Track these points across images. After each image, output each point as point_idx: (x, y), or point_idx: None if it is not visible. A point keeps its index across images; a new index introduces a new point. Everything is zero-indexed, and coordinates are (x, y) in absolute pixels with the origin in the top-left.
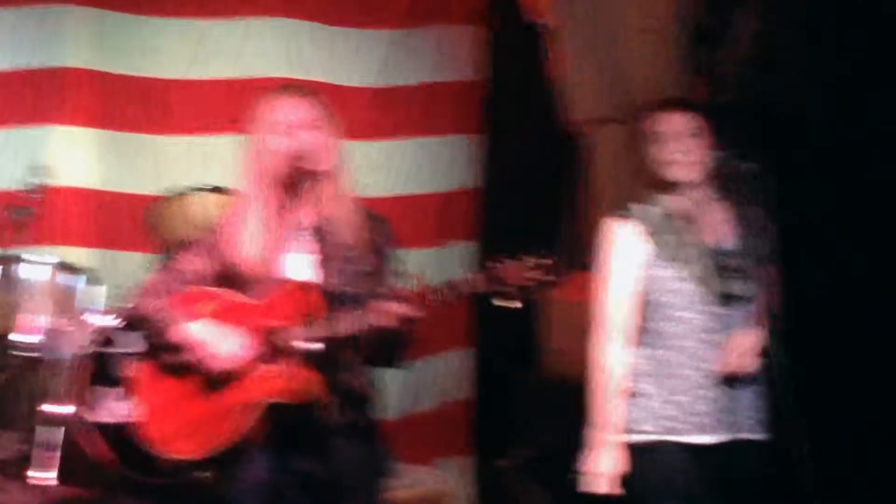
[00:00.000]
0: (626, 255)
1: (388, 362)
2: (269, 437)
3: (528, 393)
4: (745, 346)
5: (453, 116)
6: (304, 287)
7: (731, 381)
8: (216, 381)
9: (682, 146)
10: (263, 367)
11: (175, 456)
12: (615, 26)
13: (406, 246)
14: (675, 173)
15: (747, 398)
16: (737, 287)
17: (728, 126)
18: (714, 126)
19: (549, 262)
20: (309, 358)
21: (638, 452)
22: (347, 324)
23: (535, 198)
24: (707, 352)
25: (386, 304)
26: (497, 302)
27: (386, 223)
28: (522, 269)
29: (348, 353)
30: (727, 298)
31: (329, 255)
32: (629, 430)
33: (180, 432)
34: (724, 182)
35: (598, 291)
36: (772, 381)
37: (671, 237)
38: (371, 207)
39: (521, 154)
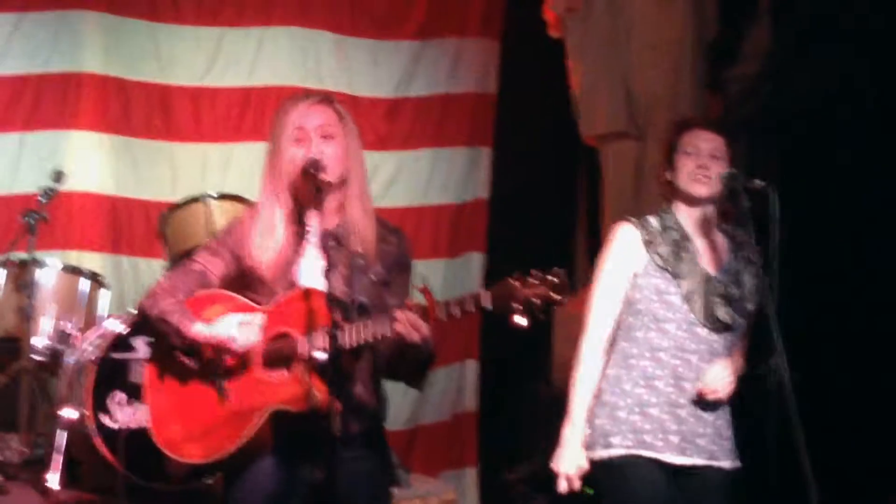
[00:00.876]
0: (620, 258)
1: (411, 382)
2: (276, 446)
3: (535, 405)
4: (727, 373)
5: (467, 128)
6: (314, 294)
7: (706, 405)
8: (224, 387)
9: (708, 164)
10: (271, 374)
11: (183, 459)
12: (629, 42)
13: (419, 256)
14: (693, 183)
15: (719, 425)
16: (722, 312)
17: (741, 142)
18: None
19: (558, 280)
20: (317, 366)
21: (610, 468)
22: (355, 334)
23: (546, 210)
24: (685, 371)
25: (393, 316)
26: (516, 319)
27: (402, 235)
28: (530, 287)
29: (357, 362)
30: (712, 322)
31: (340, 263)
32: (602, 445)
33: (189, 436)
34: (729, 210)
35: (592, 290)
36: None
37: (666, 249)
38: (384, 218)
39: (533, 166)
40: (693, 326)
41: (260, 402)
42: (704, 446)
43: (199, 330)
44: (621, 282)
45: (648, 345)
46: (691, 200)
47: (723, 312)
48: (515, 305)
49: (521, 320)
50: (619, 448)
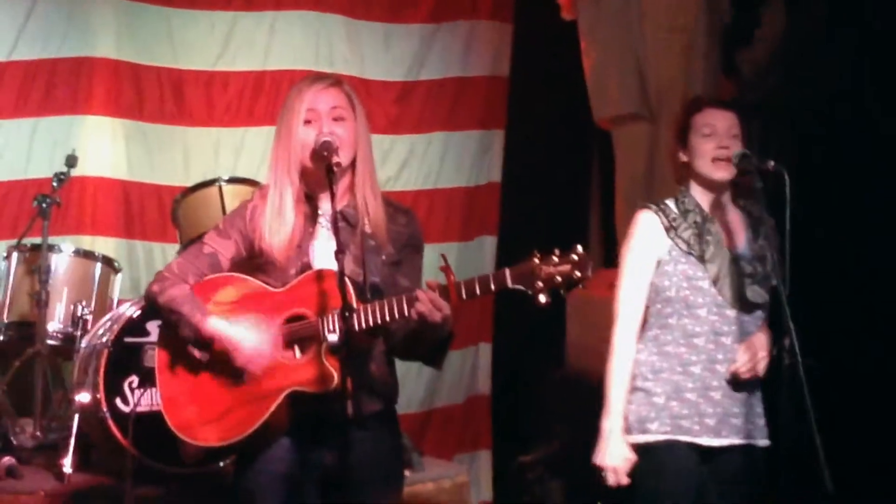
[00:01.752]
0: (644, 246)
1: (429, 361)
2: (290, 428)
3: (549, 388)
4: (761, 350)
5: (479, 111)
6: (328, 275)
7: (739, 385)
8: (239, 369)
9: (727, 144)
10: (286, 356)
11: (198, 443)
12: (642, 25)
13: (432, 240)
14: (714, 168)
15: (753, 403)
16: (751, 292)
17: (755, 125)
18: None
19: (578, 258)
20: (332, 347)
21: (647, 453)
22: (371, 314)
23: (559, 193)
24: (720, 353)
25: (414, 296)
26: (540, 298)
27: (412, 215)
28: (552, 265)
29: (371, 342)
30: (742, 302)
31: (352, 244)
32: (638, 430)
33: (203, 419)
34: (745, 183)
35: (619, 280)
36: (791, 383)
37: (689, 233)
38: (397, 200)
39: (546, 149)
40: (723, 309)
41: (277, 384)
42: (740, 425)
43: (212, 326)
44: (647, 269)
45: (682, 331)
46: (711, 184)
47: (752, 292)
48: (538, 284)
49: (543, 298)
50: (657, 434)
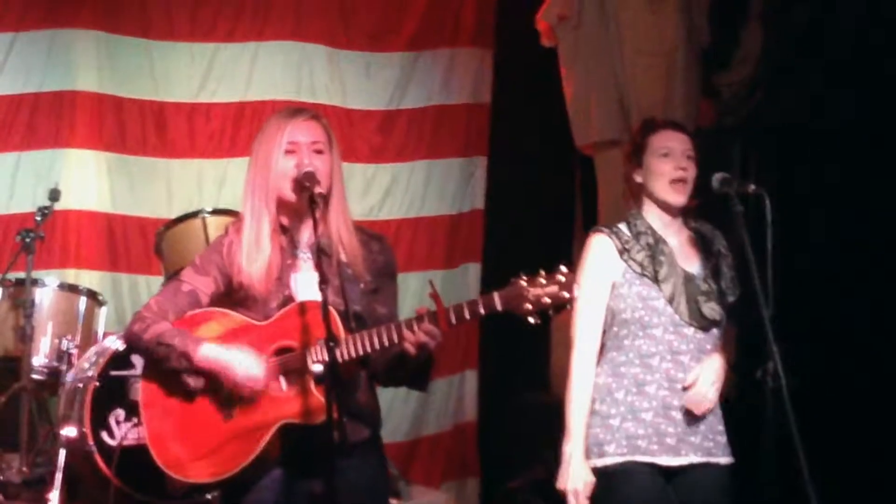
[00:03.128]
0: (598, 270)
1: (414, 384)
2: (279, 458)
3: (535, 414)
4: (713, 376)
5: (462, 138)
6: (313, 307)
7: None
8: (229, 403)
9: (685, 165)
10: (276, 389)
11: (189, 479)
12: (622, 50)
13: (416, 268)
14: (673, 192)
15: (712, 421)
16: (708, 309)
17: (735, 147)
18: (720, 147)
19: (565, 278)
20: (317, 377)
21: (604, 475)
22: (359, 344)
23: (543, 219)
24: (678, 372)
25: (406, 324)
26: (532, 320)
27: (385, 242)
28: (539, 287)
29: (357, 371)
30: (699, 320)
31: (332, 275)
32: (595, 454)
33: (193, 455)
34: (713, 205)
35: (575, 305)
36: (775, 407)
37: (642, 255)
38: (380, 229)
39: (528, 175)
40: (680, 328)
41: (267, 418)
42: (699, 443)
43: (205, 352)
44: (602, 292)
45: (638, 352)
46: (666, 207)
47: (708, 309)
48: (526, 306)
49: (532, 319)
50: (613, 456)
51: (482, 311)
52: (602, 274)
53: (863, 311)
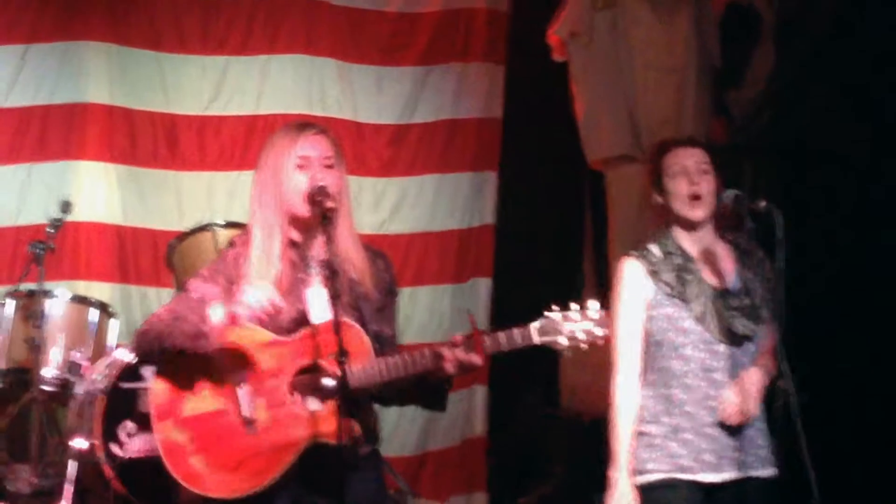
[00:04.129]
0: (632, 293)
1: (431, 402)
2: (290, 476)
3: (544, 429)
4: (750, 391)
5: (472, 153)
6: (339, 327)
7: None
8: (251, 417)
9: (698, 181)
10: (302, 407)
11: (209, 494)
12: (633, 66)
13: (426, 282)
14: (690, 208)
15: (752, 435)
16: (739, 325)
17: (746, 165)
18: (731, 165)
19: (599, 315)
20: (332, 393)
21: (647, 492)
22: (396, 367)
23: (553, 234)
24: (712, 390)
25: (448, 352)
26: (566, 352)
27: (388, 259)
28: (573, 321)
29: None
30: (730, 337)
31: (344, 292)
32: (639, 472)
33: (214, 469)
34: (733, 220)
35: (614, 330)
36: (784, 415)
37: (671, 276)
38: (391, 243)
39: (539, 190)
40: (711, 345)
41: (295, 436)
42: (739, 458)
43: (216, 316)
44: (638, 315)
45: (673, 373)
46: (690, 224)
47: (740, 325)
48: (561, 340)
49: (566, 353)
50: (655, 473)
51: (521, 343)
52: (635, 297)
53: (871, 330)
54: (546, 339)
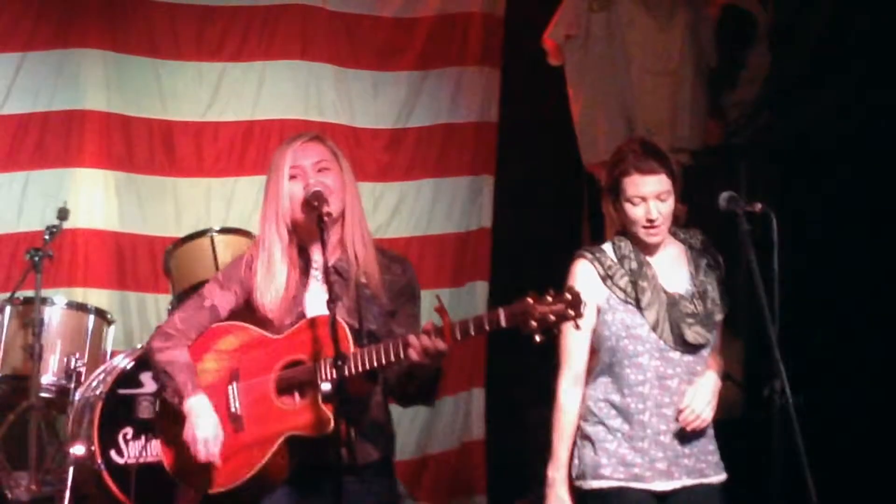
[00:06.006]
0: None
1: (422, 399)
2: (288, 476)
3: (542, 432)
4: (706, 397)
5: (469, 157)
6: (325, 322)
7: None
8: (237, 415)
9: (655, 215)
10: (285, 401)
11: (198, 489)
12: (629, 69)
13: (424, 286)
14: (646, 234)
15: (704, 441)
16: (693, 333)
17: (742, 167)
18: (727, 167)
19: (572, 296)
20: (325, 395)
21: (599, 497)
22: (365, 359)
23: (550, 238)
24: (667, 397)
25: (413, 338)
26: (537, 337)
27: (408, 264)
28: (545, 304)
29: (368, 389)
30: (684, 345)
31: (345, 296)
32: (592, 476)
33: (202, 465)
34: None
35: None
36: (783, 425)
37: (625, 281)
38: (388, 247)
39: (536, 194)
40: (665, 353)
41: (274, 429)
42: (691, 465)
43: (190, 407)
44: (588, 316)
45: (627, 381)
46: (645, 246)
47: (693, 334)
48: (532, 323)
49: (538, 337)
50: (610, 480)
51: (487, 326)
52: (586, 298)
53: (868, 330)
54: (515, 322)
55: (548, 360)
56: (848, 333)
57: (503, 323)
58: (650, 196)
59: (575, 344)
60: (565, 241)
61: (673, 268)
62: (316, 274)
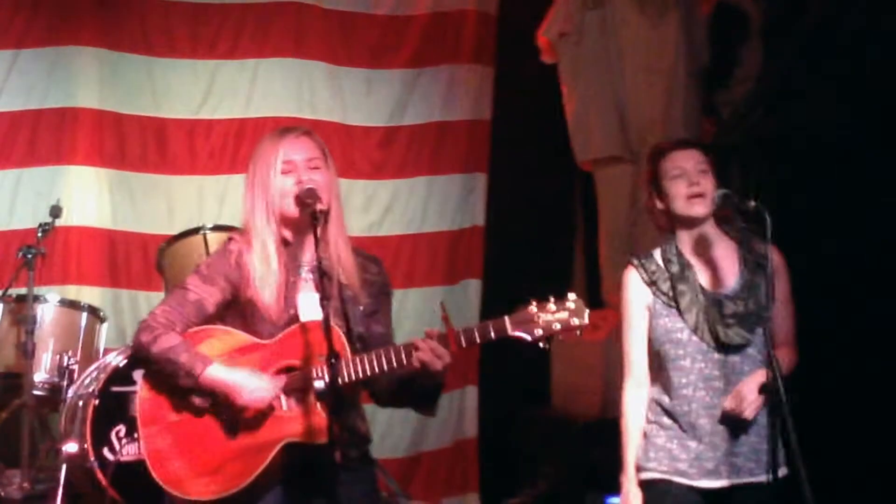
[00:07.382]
0: (635, 301)
1: (420, 409)
2: (279, 478)
3: (535, 429)
4: (749, 397)
5: (462, 155)
6: (315, 327)
7: (737, 425)
8: (234, 422)
9: (697, 180)
10: (279, 408)
11: (191, 497)
12: (622, 67)
13: (417, 284)
14: (690, 206)
15: (753, 441)
16: (732, 335)
17: (734, 165)
18: (720, 165)
19: (575, 305)
20: (319, 393)
21: (648, 488)
22: (370, 364)
23: (543, 235)
24: (712, 399)
25: (421, 342)
26: (541, 345)
27: (381, 263)
28: (550, 312)
29: (358, 390)
30: (727, 345)
31: (334, 295)
32: (641, 468)
33: (195, 473)
34: (727, 220)
35: (622, 336)
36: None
37: (667, 285)
38: (381, 245)
39: (529, 192)
40: (708, 355)
41: (271, 436)
42: (741, 465)
43: (212, 375)
44: (643, 322)
45: (672, 384)
46: (691, 223)
47: (733, 334)
48: (537, 332)
49: (542, 344)
50: (654, 472)
51: (493, 335)
52: (638, 304)
53: (865, 328)
54: (521, 330)
55: (541, 357)
56: (845, 329)
57: (509, 332)
58: (691, 168)
59: (634, 350)
60: (558, 239)
61: (722, 267)
62: (305, 274)
